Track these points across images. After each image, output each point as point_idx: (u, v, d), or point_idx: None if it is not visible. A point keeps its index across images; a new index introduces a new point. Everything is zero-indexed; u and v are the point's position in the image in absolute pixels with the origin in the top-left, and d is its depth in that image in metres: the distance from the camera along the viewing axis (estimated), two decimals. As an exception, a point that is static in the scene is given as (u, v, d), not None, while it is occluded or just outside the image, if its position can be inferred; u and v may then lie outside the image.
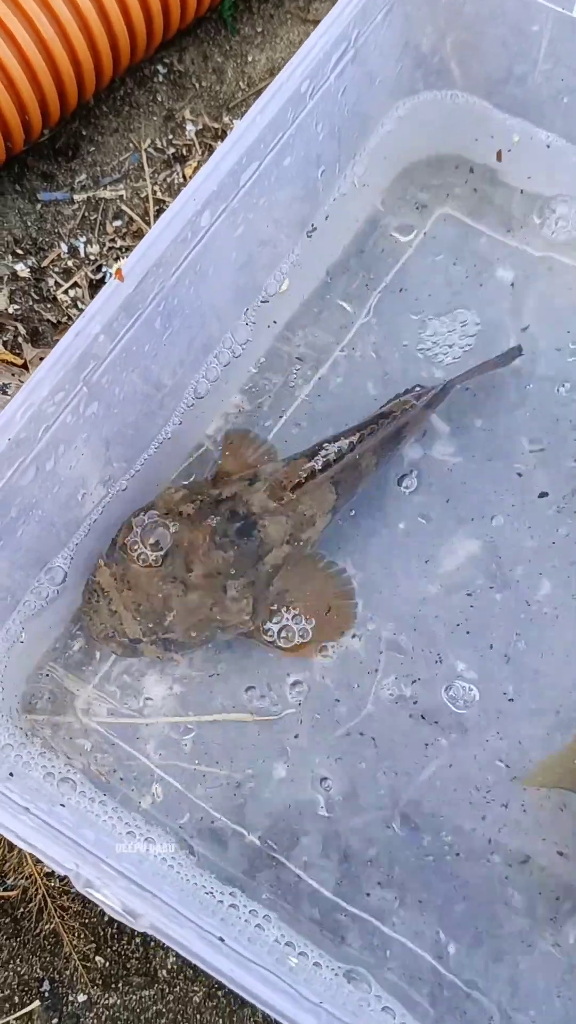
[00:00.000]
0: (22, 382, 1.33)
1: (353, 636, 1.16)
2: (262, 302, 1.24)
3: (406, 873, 1.07)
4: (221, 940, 0.78)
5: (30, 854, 1.07)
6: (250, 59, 1.56)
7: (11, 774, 0.94)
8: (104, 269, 1.41)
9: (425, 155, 1.38)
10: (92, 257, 1.43)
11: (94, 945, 1.14)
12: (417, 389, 1.22)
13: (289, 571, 1.14)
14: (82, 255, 1.42)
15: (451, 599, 1.18)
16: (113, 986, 1.13)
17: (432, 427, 1.25)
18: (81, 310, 1.40)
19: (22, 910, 1.16)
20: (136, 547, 1.06)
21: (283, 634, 1.13)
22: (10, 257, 1.42)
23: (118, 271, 0.94)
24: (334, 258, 1.33)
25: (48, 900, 1.14)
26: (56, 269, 1.42)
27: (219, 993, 1.13)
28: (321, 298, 1.32)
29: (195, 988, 1.13)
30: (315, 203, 1.25)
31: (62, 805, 0.94)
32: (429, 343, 1.30)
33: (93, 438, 1.05)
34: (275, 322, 1.28)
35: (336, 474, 1.13)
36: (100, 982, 1.13)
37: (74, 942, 1.14)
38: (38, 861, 1.14)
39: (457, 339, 1.29)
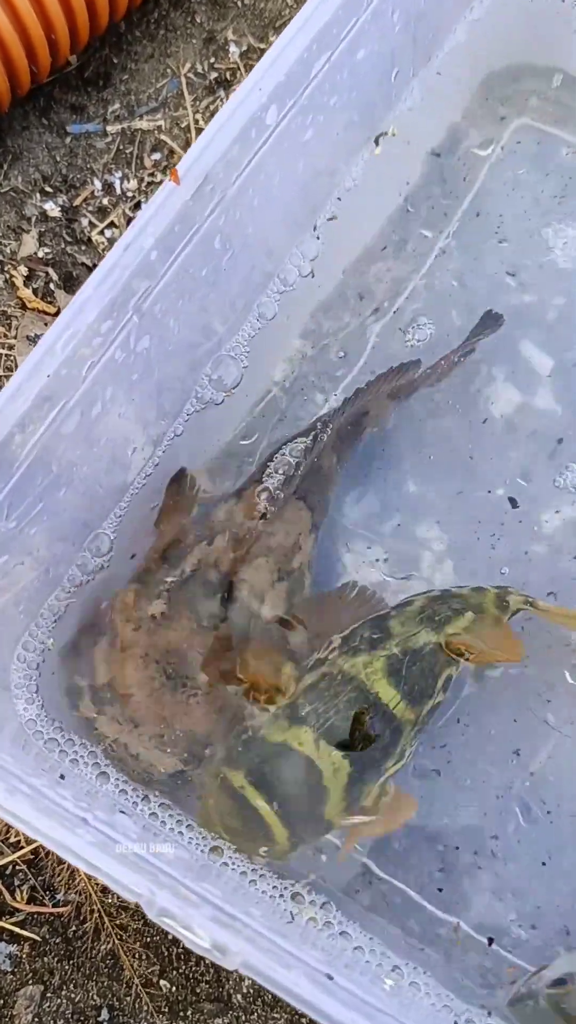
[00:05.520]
0: (56, 332, 1.19)
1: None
2: (328, 219, 1.07)
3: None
4: (329, 977, 0.63)
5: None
6: (297, -28, 1.40)
7: (62, 776, 0.79)
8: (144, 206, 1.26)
9: (503, 63, 1.22)
10: (129, 193, 1.28)
11: (158, 967, 1.01)
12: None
13: (312, 608, 0.99)
14: (118, 192, 1.28)
15: (556, 560, 1.04)
16: (181, 1014, 1.01)
17: (531, 368, 1.09)
18: (119, 252, 1.25)
19: (75, 929, 1.02)
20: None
21: None
22: (38, 196, 1.27)
23: (173, 171, 0.78)
24: (406, 177, 1.17)
25: (105, 918, 1.00)
26: (90, 208, 1.27)
27: (303, 1021, 0.99)
28: (399, 225, 1.16)
29: (275, 1015, 1.00)
30: (388, 109, 1.08)
31: (122, 812, 0.79)
32: (517, 270, 1.14)
33: (144, 381, 0.90)
34: (343, 250, 1.12)
35: (299, 487, 0.98)
36: (166, 1009, 1.01)
37: (135, 965, 1.01)
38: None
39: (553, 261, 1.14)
